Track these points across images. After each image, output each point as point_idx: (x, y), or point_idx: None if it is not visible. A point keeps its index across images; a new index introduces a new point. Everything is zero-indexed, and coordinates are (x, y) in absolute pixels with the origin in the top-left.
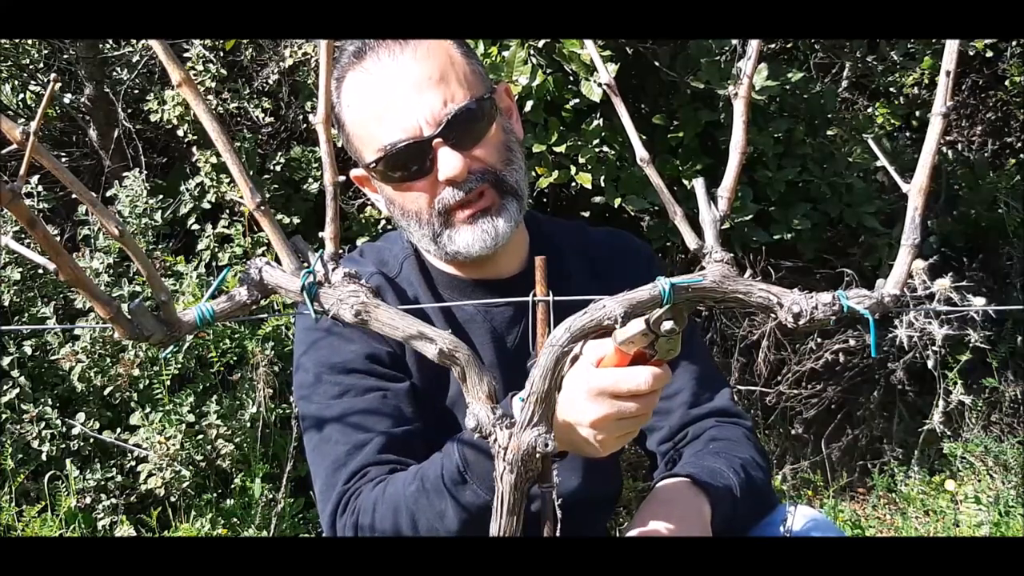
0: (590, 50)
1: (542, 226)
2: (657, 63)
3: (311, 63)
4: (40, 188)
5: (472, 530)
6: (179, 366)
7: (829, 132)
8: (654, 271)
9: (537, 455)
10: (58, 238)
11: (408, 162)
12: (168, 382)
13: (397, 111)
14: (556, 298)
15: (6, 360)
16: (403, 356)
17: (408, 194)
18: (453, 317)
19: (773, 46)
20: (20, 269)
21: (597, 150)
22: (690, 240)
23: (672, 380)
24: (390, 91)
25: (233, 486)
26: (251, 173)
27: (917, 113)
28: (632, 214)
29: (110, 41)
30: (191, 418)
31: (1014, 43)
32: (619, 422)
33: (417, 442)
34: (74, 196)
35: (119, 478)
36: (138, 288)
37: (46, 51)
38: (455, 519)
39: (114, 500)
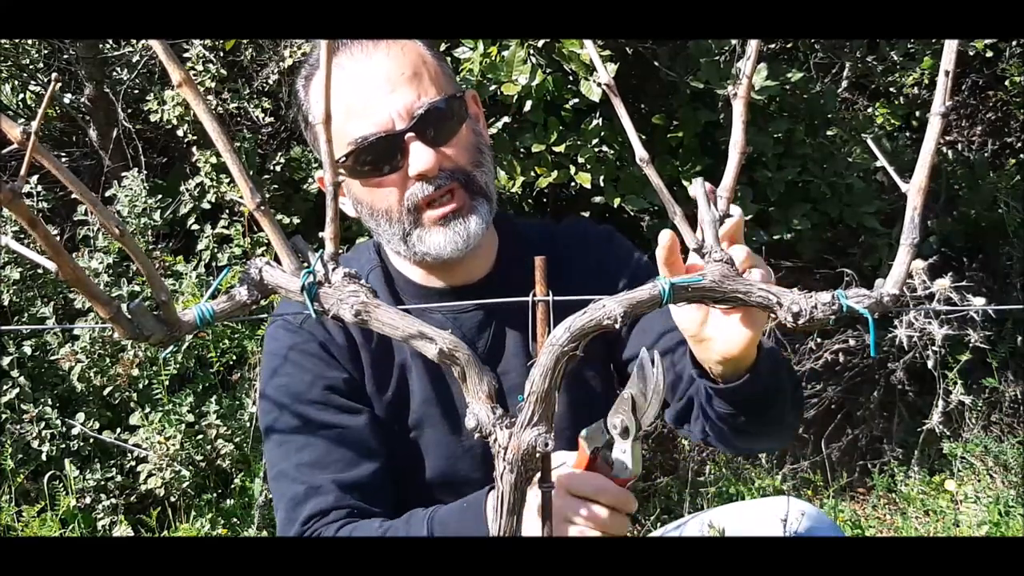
0: (590, 50)
1: (515, 227)
2: (657, 63)
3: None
4: (40, 188)
5: None
6: (178, 366)
7: (829, 132)
8: (611, 249)
9: (537, 455)
10: (58, 238)
11: (379, 157)
12: (167, 382)
13: (370, 105)
14: (556, 298)
15: (6, 360)
16: (361, 381)
17: (378, 191)
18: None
19: (773, 46)
20: (20, 269)
21: (597, 150)
22: (690, 240)
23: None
24: (363, 86)
25: (233, 486)
26: (251, 173)
27: (917, 113)
28: (632, 214)
29: (110, 41)
30: (191, 418)
31: (1014, 43)
32: (569, 522)
33: (374, 480)
34: (74, 196)
35: (119, 478)
36: (138, 288)
37: (46, 51)
38: None
39: (114, 500)
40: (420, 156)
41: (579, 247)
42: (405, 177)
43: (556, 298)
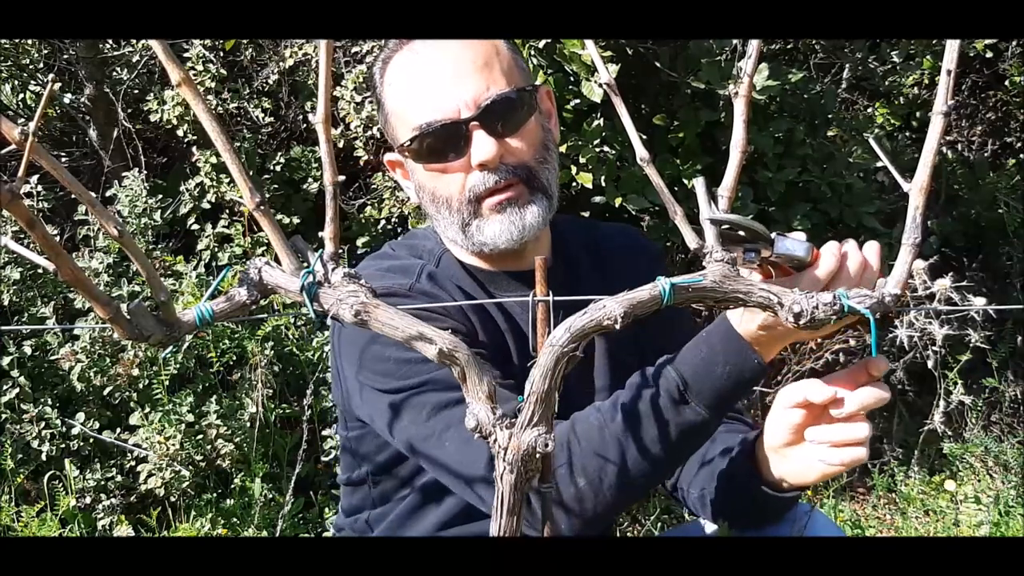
0: (590, 50)
1: (557, 224)
2: (657, 63)
3: (311, 63)
4: (40, 188)
5: (688, 449)
6: (178, 366)
7: (829, 132)
8: (659, 271)
9: (537, 455)
10: (58, 238)
11: (443, 144)
12: (167, 382)
13: (438, 91)
14: (556, 298)
15: (6, 360)
16: (475, 332)
17: (441, 178)
18: (503, 309)
19: (773, 46)
20: (20, 269)
21: (598, 150)
22: (690, 240)
23: None
24: (434, 72)
25: (233, 486)
26: (251, 173)
27: (917, 113)
28: (632, 214)
29: (110, 41)
30: (191, 418)
31: (1014, 43)
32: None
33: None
34: (74, 196)
35: (119, 478)
36: (137, 288)
37: (46, 51)
38: (672, 439)
39: (114, 500)
40: (483, 146)
41: (629, 255)
42: (468, 166)
43: (556, 298)
